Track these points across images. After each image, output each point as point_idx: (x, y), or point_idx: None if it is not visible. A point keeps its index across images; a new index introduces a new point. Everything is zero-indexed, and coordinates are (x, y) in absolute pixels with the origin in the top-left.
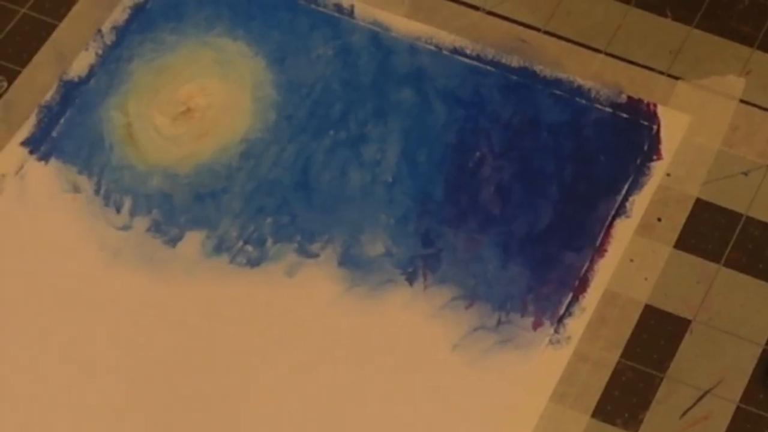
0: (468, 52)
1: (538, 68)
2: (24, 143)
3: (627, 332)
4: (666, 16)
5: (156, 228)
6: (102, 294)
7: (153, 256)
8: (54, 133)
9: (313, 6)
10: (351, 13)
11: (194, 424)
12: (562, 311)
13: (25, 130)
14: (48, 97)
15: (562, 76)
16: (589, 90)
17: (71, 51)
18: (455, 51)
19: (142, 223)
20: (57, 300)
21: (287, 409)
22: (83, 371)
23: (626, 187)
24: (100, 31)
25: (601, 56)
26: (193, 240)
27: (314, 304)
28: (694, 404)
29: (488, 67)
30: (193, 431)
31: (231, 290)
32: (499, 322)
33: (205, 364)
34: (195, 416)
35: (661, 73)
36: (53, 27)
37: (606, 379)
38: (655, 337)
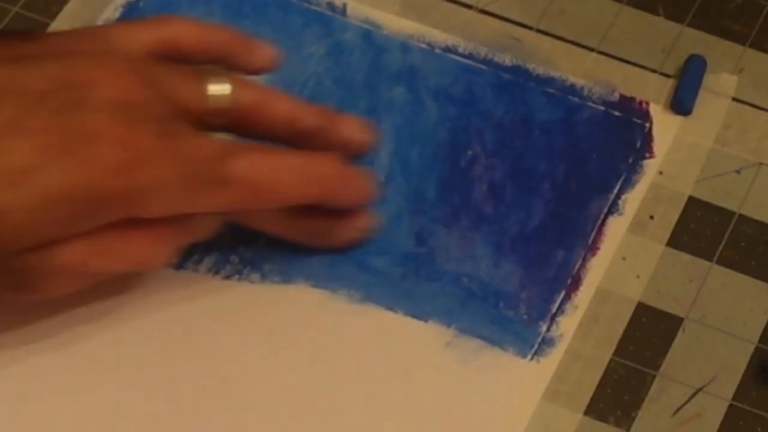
0: (460, 50)
1: (530, 66)
2: None
3: (619, 330)
4: (658, 15)
5: None
6: (92, 293)
7: None
8: None
9: (305, 4)
10: (343, 11)
11: (192, 424)
12: (554, 309)
13: None
14: None
15: (555, 74)
16: (582, 88)
17: None
18: (447, 49)
19: None
20: (47, 300)
21: (276, 409)
22: (76, 371)
23: (618, 185)
24: None
25: (594, 54)
26: None
27: (306, 302)
28: (687, 402)
29: (481, 66)
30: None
31: (223, 288)
32: (491, 321)
33: (197, 362)
34: (190, 417)
35: (654, 71)
36: (45, 26)
37: (598, 376)
38: (648, 335)
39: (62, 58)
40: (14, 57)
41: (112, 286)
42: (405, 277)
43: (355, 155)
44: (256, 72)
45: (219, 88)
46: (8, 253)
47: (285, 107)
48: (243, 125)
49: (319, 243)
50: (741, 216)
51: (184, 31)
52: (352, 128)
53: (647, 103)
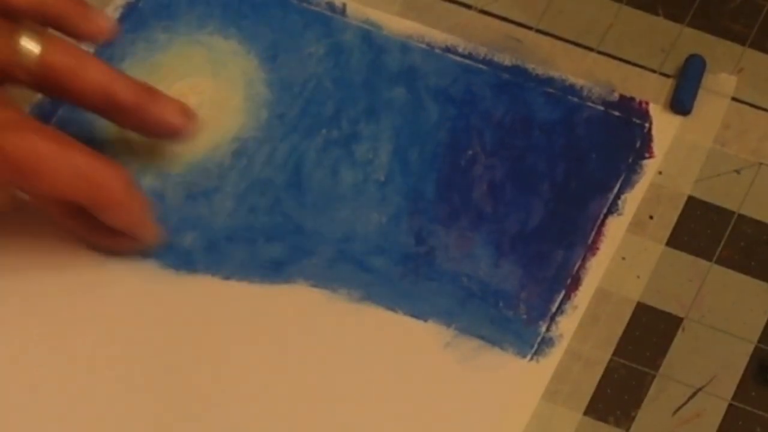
0: (460, 50)
1: (530, 66)
2: None
3: (619, 330)
4: (658, 15)
5: None
6: (93, 294)
7: (145, 254)
8: None
9: (305, 4)
10: (343, 11)
11: (192, 423)
12: (554, 309)
13: None
14: (40, 96)
15: (554, 74)
16: (581, 88)
17: None
18: (447, 49)
19: None
20: (48, 301)
21: (277, 408)
22: (76, 371)
23: (618, 185)
24: None
25: (593, 54)
26: (186, 239)
27: (306, 302)
28: (687, 401)
29: (480, 66)
30: (189, 428)
31: (223, 289)
32: (491, 320)
33: (198, 363)
34: (190, 416)
35: (653, 71)
36: None
37: (598, 377)
38: (648, 335)
39: None
40: None
41: (111, 286)
42: (404, 276)
43: (170, 138)
44: (87, 39)
45: (29, 44)
46: None
47: (98, 76)
48: (52, 87)
49: (96, 246)
50: (740, 216)
51: None
52: (170, 111)
53: (647, 103)
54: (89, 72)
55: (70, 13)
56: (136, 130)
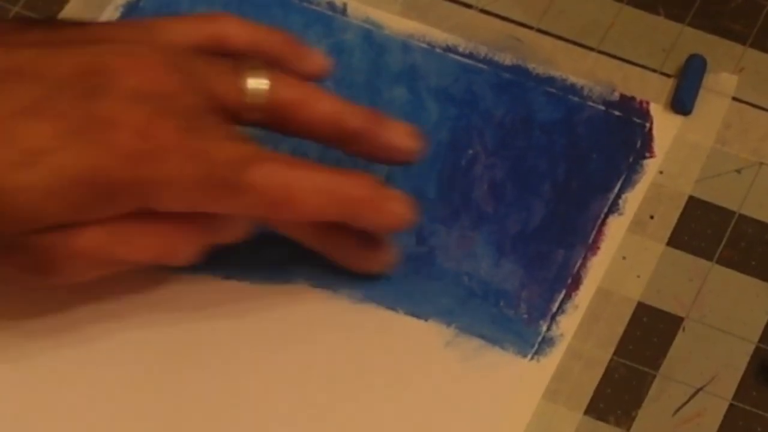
0: (461, 50)
1: (530, 66)
2: None
3: (620, 330)
4: (659, 14)
5: None
6: (93, 294)
7: None
8: None
9: (305, 4)
10: (344, 11)
11: (193, 424)
12: (554, 309)
13: None
14: None
15: (555, 74)
16: (582, 88)
17: None
18: (448, 49)
19: None
20: (47, 300)
21: (277, 408)
22: (75, 371)
23: (619, 184)
24: None
25: (594, 54)
26: None
27: (306, 302)
28: (687, 401)
29: (481, 65)
30: (188, 428)
31: (223, 289)
32: (492, 320)
33: (198, 363)
34: (191, 416)
35: (654, 71)
36: None
37: (599, 376)
38: (648, 335)
39: (93, 45)
40: (44, 42)
41: (112, 286)
42: (405, 276)
43: (400, 163)
44: (305, 78)
45: (257, 83)
46: (26, 233)
47: (327, 107)
48: (281, 122)
49: (343, 264)
50: (741, 216)
51: (234, 29)
52: (399, 134)
53: (647, 103)
54: (318, 104)
55: (287, 52)
56: (365, 156)
